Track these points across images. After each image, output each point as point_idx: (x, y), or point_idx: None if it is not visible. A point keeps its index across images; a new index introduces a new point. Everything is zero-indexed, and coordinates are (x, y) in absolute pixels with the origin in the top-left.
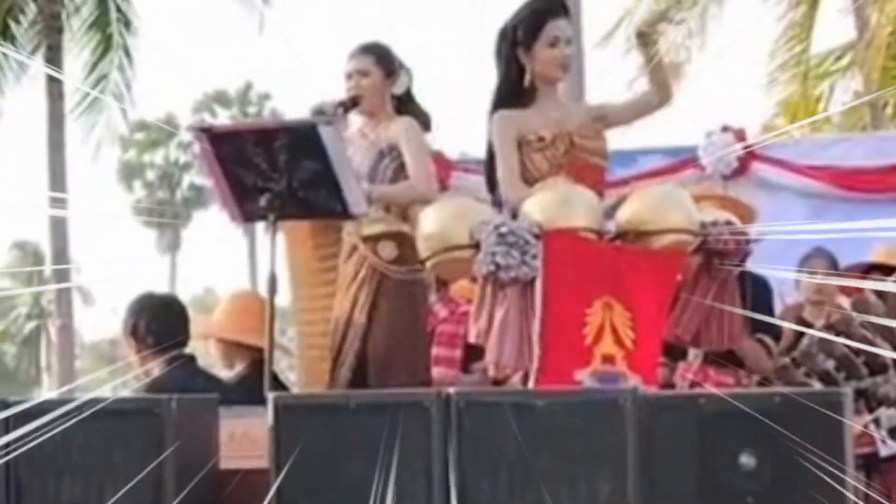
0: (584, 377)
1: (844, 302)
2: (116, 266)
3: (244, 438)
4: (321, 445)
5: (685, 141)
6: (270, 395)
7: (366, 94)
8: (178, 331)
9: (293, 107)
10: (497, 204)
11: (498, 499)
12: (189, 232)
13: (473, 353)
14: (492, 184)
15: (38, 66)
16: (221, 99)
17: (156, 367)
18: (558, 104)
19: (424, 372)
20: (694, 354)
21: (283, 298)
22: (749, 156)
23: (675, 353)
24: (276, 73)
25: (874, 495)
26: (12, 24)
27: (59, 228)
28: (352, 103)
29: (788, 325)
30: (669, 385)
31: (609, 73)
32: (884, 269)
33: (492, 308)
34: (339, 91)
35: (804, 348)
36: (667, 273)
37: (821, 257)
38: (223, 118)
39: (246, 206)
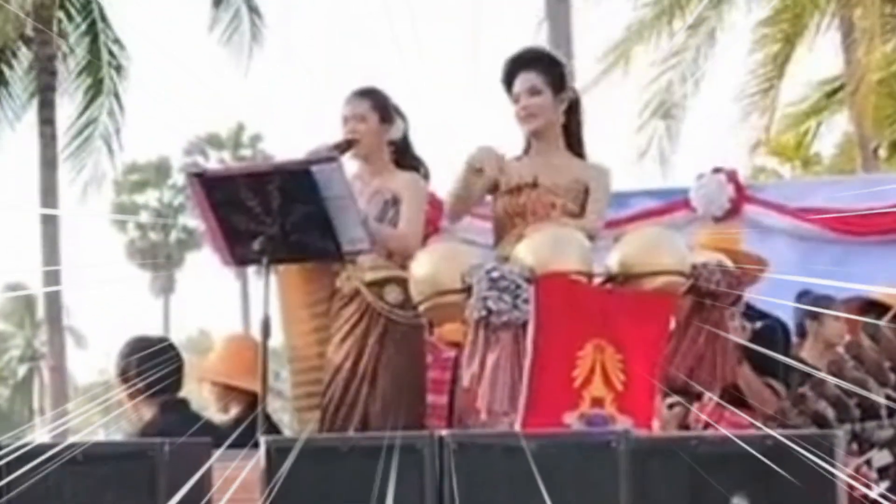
0: (572, 420)
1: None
2: (110, 309)
3: (237, 482)
4: (314, 489)
5: (676, 183)
6: (263, 439)
7: (362, 138)
8: (171, 375)
9: (285, 148)
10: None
11: None
12: (182, 274)
13: (456, 398)
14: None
15: (30, 110)
16: (213, 141)
17: (148, 412)
18: (545, 157)
19: (423, 416)
20: (708, 395)
21: (277, 341)
22: (740, 198)
23: (689, 394)
24: (267, 115)
25: None
26: (5, 69)
27: (51, 272)
28: (347, 145)
29: (797, 365)
30: (684, 426)
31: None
32: (881, 308)
33: (484, 352)
34: (332, 133)
35: (797, 390)
36: (659, 315)
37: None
38: (215, 160)
39: (238, 250)
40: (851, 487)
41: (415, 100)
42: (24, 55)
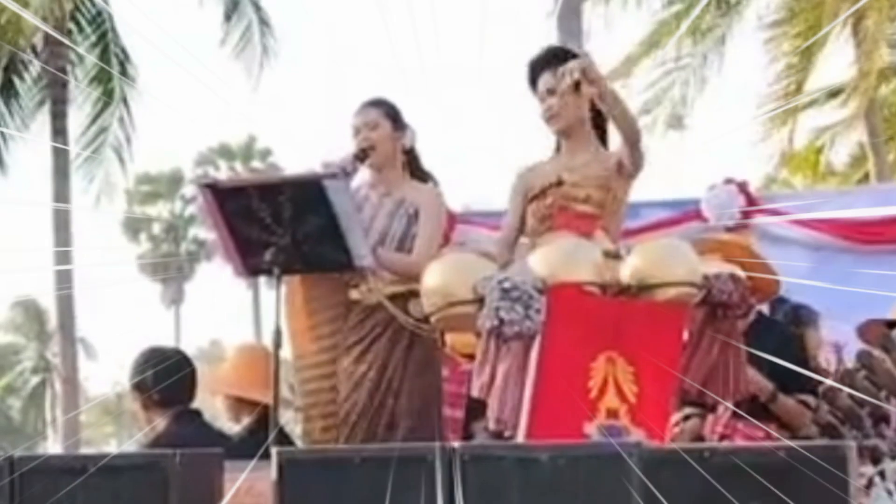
0: (591, 430)
1: None
2: (121, 320)
3: (249, 493)
4: (326, 500)
5: (688, 194)
6: (274, 450)
7: (376, 145)
8: (184, 386)
9: (296, 161)
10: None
11: None
12: (194, 284)
13: (474, 413)
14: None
15: (42, 120)
16: (225, 152)
17: (161, 422)
18: (573, 155)
19: (444, 426)
20: (723, 407)
21: (289, 351)
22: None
23: (703, 406)
24: (278, 128)
25: None
26: (15, 80)
27: (63, 282)
28: (364, 154)
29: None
30: (699, 437)
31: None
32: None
33: (495, 363)
34: (342, 145)
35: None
36: (671, 326)
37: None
38: (225, 172)
39: (250, 261)
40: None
41: (425, 114)
42: (35, 66)
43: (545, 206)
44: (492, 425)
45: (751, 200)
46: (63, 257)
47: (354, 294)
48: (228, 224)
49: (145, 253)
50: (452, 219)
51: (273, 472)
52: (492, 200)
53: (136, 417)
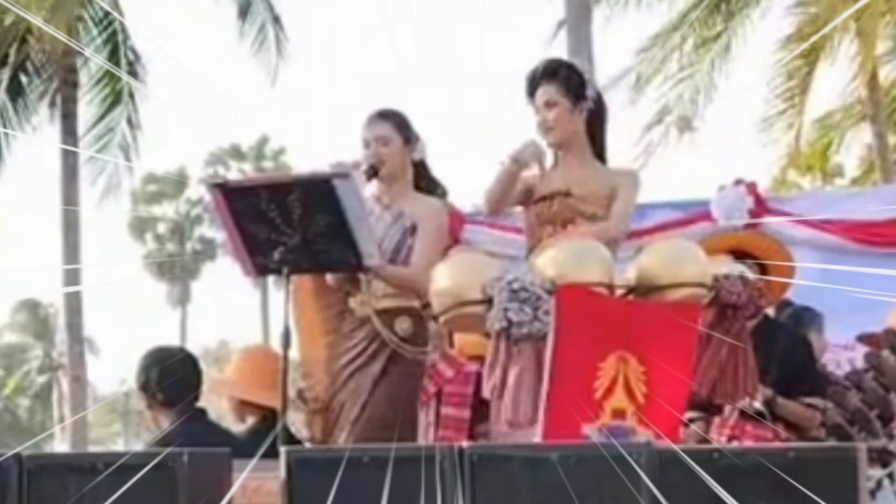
0: (592, 431)
1: None
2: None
3: (258, 492)
4: (334, 500)
5: (697, 194)
6: (283, 450)
7: (386, 161)
8: (190, 385)
9: (308, 162)
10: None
11: None
12: (200, 284)
13: (478, 414)
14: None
15: (51, 119)
16: (235, 153)
17: (167, 421)
18: (573, 168)
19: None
20: (730, 409)
21: (297, 351)
22: (761, 209)
23: (711, 408)
24: (291, 128)
25: None
26: (23, 78)
27: (71, 283)
28: (373, 172)
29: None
30: (706, 440)
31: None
32: None
33: (505, 364)
34: (353, 149)
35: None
36: (682, 327)
37: None
38: (236, 172)
39: (259, 260)
40: None
41: (435, 115)
42: (43, 65)
43: (551, 211)
44: (504, 427)
45: (760, 201)
46: (71, 257)
47: (352, 302)
48: (238, 224)
49: (151, 252)
50: (461, 219)
51: (282, 471)
52: None
53: (142, 417)
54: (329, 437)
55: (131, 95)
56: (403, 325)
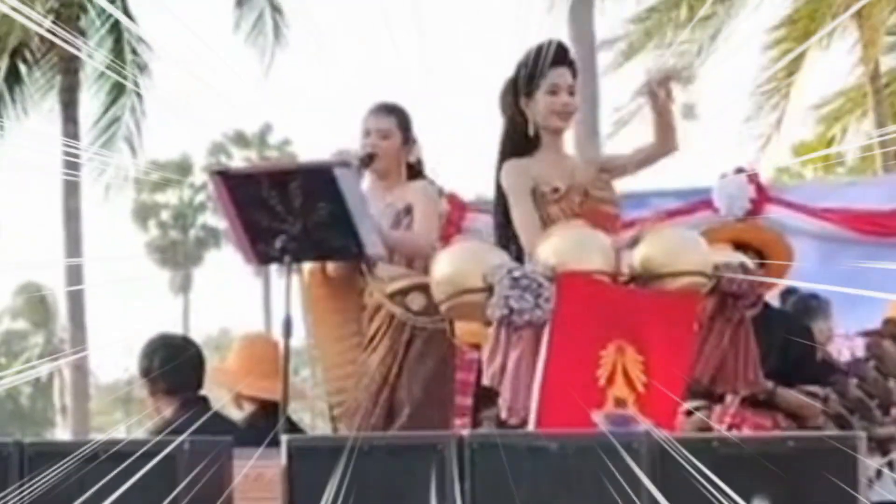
0: (599, 418)
1: None
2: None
3: (258, 480)
4: (335, 488)
5: (699, 183)
6: (284, 438)
7: (383, 154)
8: (192, 373)
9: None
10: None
11: None
12: (202, 272)
13: (482, 400)
14: (504, 233)
15: (52, 109)
16: (239, 140)
17: (169, 409)
18: (563, 156)
19: (449, 420)
20: (731, 398)
21: (297, 339)
22: (762, 198)
23: (712, 396)
24: (295, 117)
25: None
26: (22, 66)
27: (73, 270)
28: (368, 160)
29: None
30: (707, 428)
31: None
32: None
33: (506, 351)
34: (354, 139)
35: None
36: (682, 316)
37: None
38: (239, 160)
39: (260, 249)
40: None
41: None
42: (44, 53)
43: (574, 206)
44: (504, 414)
45: (761, 190)
46: (73, 245)
47: (364, 298)
48: (239, 212)
49: (154, 240)
50: (464, 207)
51: (283, 459)
52: None
53: (144, 404)
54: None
55: (136, 86)
56: (416, 300)
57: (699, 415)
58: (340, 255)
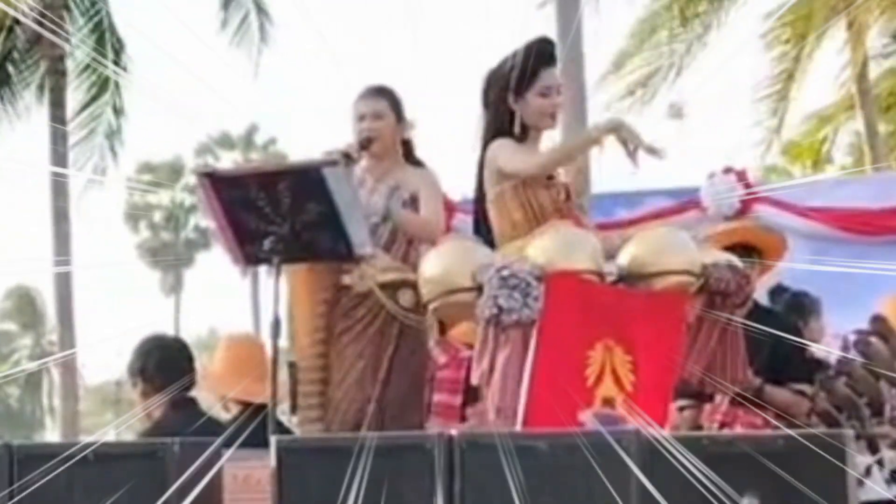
0: (587, 418)
1: None
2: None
3: (247, 481)
4: (324, 488)
5: (687, 182)
6: (273, 439)
7: (379, 136)
8: (185, 374)
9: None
10: (490, 244)
11: None
12: (193, 273)
13: (470, 397)
14: (482, 224)
15: (39, 109)
16: (225, 142)
17: (158, 410)
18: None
19: (423, 420)
20: (720, 396)
21: (285, 340)
22: (751, 197)
23: (701, 395)
24: (280, 117)
25: None
26: (10, 67)
27: (62, 274)
28: (367, 143)
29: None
30: (697, 427)
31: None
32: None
33: (494, 351)
34: (344, 134)
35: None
36: (670, 315)
37: None
38: (226, 161)
39: (249, 250)
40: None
41: (423, 101)
42: (30, 54)
43: (560, 198)
44: (492, 414)
45: (749, 189)
46: (62, 246)
47: (346, 279)
48: (227, 213)
49: (145, 241)
50: (452, 207)
51: (272, 460)
52: None
53: (134, 405)
54: (340, 425)
55: (117, 84)
56: (406, 296)
57: (686, 415)
58: (329, 255)
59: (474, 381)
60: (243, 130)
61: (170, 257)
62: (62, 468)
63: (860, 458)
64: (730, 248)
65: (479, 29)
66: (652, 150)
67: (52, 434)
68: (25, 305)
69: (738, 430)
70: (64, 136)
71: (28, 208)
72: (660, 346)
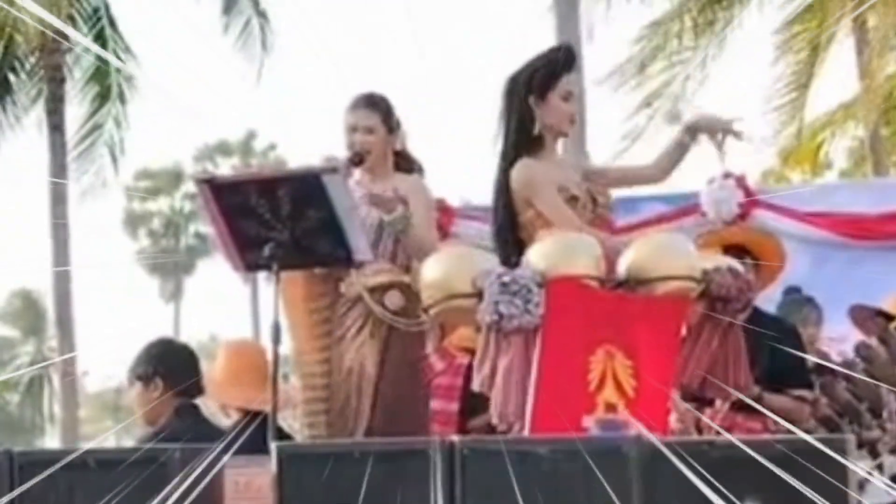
0: (591, 423)
1: None
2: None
3: (248, 488)
4: (325, 494)
5: (687, 187)
6: (274, 445)
7: (371, 150)
8: (190, 380)
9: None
10: (506, 263)
11: None
12: (193, 280)
13: (471, 407)
14: (505, 236)
15: (39, 118)
16: (223, 149)
17: (162, 417)
18: (560, 158)
19: (426, 425)
20: (721, 402)
21: (285, 346)
22: (750, 202)
23: (701, 400)
24: (280, 123)
25: None
26: (11, 76)
27: (61, 278)
28: (358, 160)
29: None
30: (697, 431)
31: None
32: (888, 317)
33: (495, 357)
34: (341, 144)
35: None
36: (670, 320)
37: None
38: (225, 168)
39: (248, 256)
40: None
41: (423, 107)
42: (31, 63)
43: (587, 213)
44: (495, 420)
45: (749, 195)
46: (61, 253)
47: (342, 287)
48: (226, 219)
49: (144, 248)
50: (451, 213)
51: (273, 466)
52: (491, 195)
53: (136, 410)
54: (342, 432)
55: (119, 94)
56: (393, 299)
57: (686, 420)
58: (329, 261)
59: (475, 387)
60: (242, 136)
61: (169, 261)
62: (63, 475)
63: (861, 463)
64: (725, 251)
65: (478, 36)
66: (737, 135)
67: (52, 441)
68: (27, 311)
69: (738, 435)
70: (63, 145)
71: (27, 215)
72: (660, 352)
